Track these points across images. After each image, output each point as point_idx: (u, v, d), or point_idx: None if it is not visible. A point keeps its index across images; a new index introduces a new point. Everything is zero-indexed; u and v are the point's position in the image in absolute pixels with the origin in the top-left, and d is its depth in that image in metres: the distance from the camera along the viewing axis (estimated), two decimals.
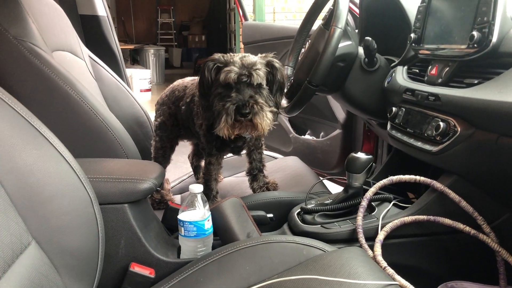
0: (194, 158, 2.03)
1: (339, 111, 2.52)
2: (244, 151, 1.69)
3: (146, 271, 1.16)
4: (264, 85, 1.42)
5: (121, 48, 2.11)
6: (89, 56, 1.85)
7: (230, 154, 1.83)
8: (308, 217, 1.36)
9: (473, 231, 1.18)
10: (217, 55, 1.44)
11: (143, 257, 1.20)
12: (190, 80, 1.72)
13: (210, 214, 1.28)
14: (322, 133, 2.70)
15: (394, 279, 1.02)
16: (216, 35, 11.50)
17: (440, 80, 1.28)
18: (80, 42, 1.81)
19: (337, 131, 2.52)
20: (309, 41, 1.76)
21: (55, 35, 1.59)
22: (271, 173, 1.83)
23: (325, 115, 2.64)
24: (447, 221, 1.21)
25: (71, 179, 1.02)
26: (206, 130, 1.53)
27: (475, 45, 1.14)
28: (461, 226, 1.19)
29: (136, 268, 1.16)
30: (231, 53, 1.45)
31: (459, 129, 1.16)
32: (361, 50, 1.64)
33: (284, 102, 1.75)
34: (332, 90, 1.70)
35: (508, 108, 1.00)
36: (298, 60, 1.87)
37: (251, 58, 1.42)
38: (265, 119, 1.38)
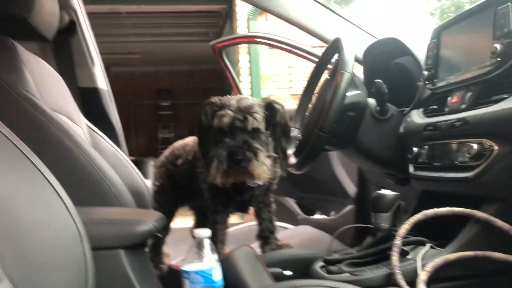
0: None
1: (349, 185, 2.40)
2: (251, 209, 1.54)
3: None
4: (263, 130, 1.33)
5: None
6: (87, 125, 1.78)
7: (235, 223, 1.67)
8: (333, 268, 1.17)
9: None
10: (215, 98, 1.36)
11: None
12: (191, 140, 1.63)
13: (219, 265, 1.10)
14: (333, 212, 2.54)
15: None
16: None
17: (464, 106, 1.19)
18: (78, 111, 1.75)
19: (349, 207, 2.36)
20: (316, 96, 1.70)
21: (52, 97, 1.53)
22: (284, 240, 1.65)
23: (334, 191, 2.51)
24: (499, 255, 1.03)
25: (58, 209, 0.87)
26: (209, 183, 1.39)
27: (499, 58, 1.07)
28: None
29: None
30: (229, 96, 1.37)
31: (495, 148, 1.04)
32: (371, 100, 1.57)
33: (292, 160, 1.64)
34: (343, 143, 1.59)
35: None
36: (304, 121, 1.80)
37: (248, 100, 1.34)
38: (261, 166, 1.27)
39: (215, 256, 1.09)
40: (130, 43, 8.70)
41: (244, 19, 6.25)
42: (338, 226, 2.37)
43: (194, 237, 1.11)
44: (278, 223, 1.90)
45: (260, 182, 1.33)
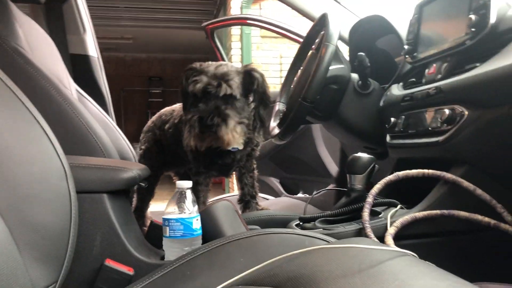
0: None
1: (332, 165, 2.45)
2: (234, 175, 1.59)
3: (124, 268, 1.00)
4: (238, 96, 1.36)
5: None
6: (76, 89, 1.81)
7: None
8: (308, 225, 1.22)
9: (493, 221, 1.06)
10: (196, 64, 1.40)
11: (121, 256, 1.04)
12: (179, 105, 1.66)
13: (199, 215, 1.14)
14: (315, 191, 2.59)
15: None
16: None
17: (439, 76, 1.25)
18: (68, 75, 1.77)
19: (331, 186, 2.42)
20: (301, 68, 1.74)
21: (44, 59, 1.55)
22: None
23: (316, 171, 2.56)
24: (463, 213, 1.08)
25: (44, 146, 0.91)
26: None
27: (473, 29, 1.13)
28: (479, 217, 1.07)
29: (112, 264, 0.99)
30: (209, 62, 1.40)
31: (466, 113, 1.10)
32: (354, 75, 1.62)
33: (276, 131, 1.68)
34: (326, 115, 1.64)
35: None
36: (289, 94, 1.84)
37: (226, 67, 1.38)
38: (231, 132, 1.31)
39: (196, 207, 1.14)
40: (123, 28, 8.65)
41: (237, 7, 6.26)
42: (319, 204, 2.44)
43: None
44: (259, 194, 1.96)
45: (233, 147, 1.36)
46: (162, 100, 11.91)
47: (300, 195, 2.66)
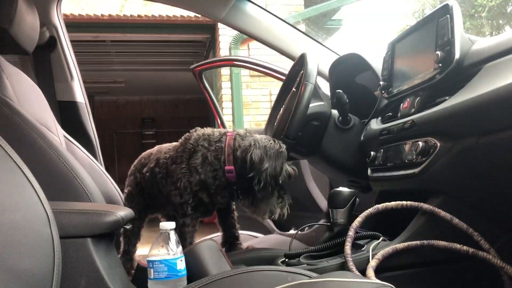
0: None
1: (322, 200, 2.46)
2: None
3: None
4: None
5: None
6: (63, 135, 1.84)
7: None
8: (293, 261, 1.23)
9: (471, 250, 1.08)
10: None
11: None
12: (157, 147, 1.70)
13: (183, 256, 1.15)
14: (306, 228, 2.59)
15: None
16: None
17: (413, 110, 1.29)
18: (55, 122, 1.81)
19: (322, 221, 2.43)
20: (283, 107, 1.79)
21: (31, 108, 1.59)
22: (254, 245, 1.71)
23: (308, 207, 2.57)
24: (442, 243, 1.10)
25: (27, 193, 0.93)
26: (183, 189, 1.45)
27: (440, 64, 1.18)
28: (457, 246, 1.09)
29: None
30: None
31: (438, 144, 1.13)
32: (334, 111, 1.67)
33: None
34: (309, 151, 1.68)
35: (479, 101, 0.99)
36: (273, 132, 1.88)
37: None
38: None
39: (180, 248, 1.15)
40: (115, 72, 8.80)
41: (226, 48, 6.41)
42: (310, 240, 2.44)
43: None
44: (247, 232, 1.97)
45: None
46: (155, 141, 11.93)
47: (292, 231, 2.66)
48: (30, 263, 0.88)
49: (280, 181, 1.44)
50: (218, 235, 1.75)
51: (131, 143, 12.07)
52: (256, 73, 6.32)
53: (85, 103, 2.05)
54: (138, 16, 6.41)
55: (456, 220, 1.10)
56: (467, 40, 1.17)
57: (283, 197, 1.51)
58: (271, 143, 1.43)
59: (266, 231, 2.72)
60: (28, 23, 1.51)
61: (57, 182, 1.28)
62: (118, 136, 11.79)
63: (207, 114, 7.48)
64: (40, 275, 0.90)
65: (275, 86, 6.31)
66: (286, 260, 1.26)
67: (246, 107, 6.40)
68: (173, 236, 1.14)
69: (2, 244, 0.85)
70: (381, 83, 1.48)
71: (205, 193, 1.46)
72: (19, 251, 0.87)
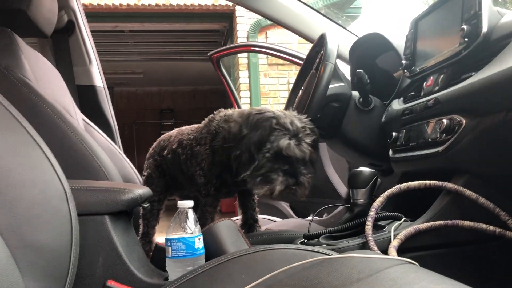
0: None
1: (341, 186, 2.43)
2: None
3: None
4: None
5: None
6: (82, 119, 1.84)
7: None
8: (312, 242, 1.21)
9: (498, 230, 1.04)
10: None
11: (123, 276, 1.04)
12: (176, 130, 1.69)
13: (202, 235, 1.14)
14: (325, 214, 2.57)
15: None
16: None
17: (437, 88, 1.25)
18: (74, 105, 1.81)
19: (341, 208, 2.40)
20: (301, 89, 1.76)
21: (50, 89, 1.59)
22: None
23: (326, 193, 2.54)
24: (467, 223, 1.07)
25: (45, 169, 0.93)
26: (208, 170, 1.44)
27: (466, 39, 1.14)
28: (483, 226, 1.05)
29: (115, 285, 0.99)
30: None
31: (464, 122, 1.09)
32: (354, 93, 1.63)
33: None
34: (329, 133, 1.65)
35: (508, 74, 0.95)
36: None
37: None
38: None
39: (198, 227, 1.14)
40: (133, 62, 8.84)
41: (244, 37, 6.38)
42: (329, 225, 2.41)
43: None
44: (267, 216, 1.95)
45: None
46: None
47: (310, 218, 2.64)
48: (48, 238, 0.88)
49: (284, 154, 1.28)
50: (237, 218, 1.74)
51: (150, 134, 12.16)
52: (274, 61, 6.29)
53: (104, 87, 2.05)
54: (156, 5, 6.41)
55: (482, 199, 1.07)
56: (495, 12, 1.13)
57: (295, 175, 1.34)
58: (262, 114, 1.31)
59: (283, 217, 2.71)
60: (46, 6, 1.51)
61: (75, 161, 1.28)
62: (137, 126, 11.88)
63: (225, 105, 7.48)
64: (58, 250, 0.90)
65: (293, 75, 6.27)
66: (305, 241, 1.24)
67: (264, 96, 6.37)
68: (191, 214, 1.13)
69: (20, 218, 0.85)
70: (403, 62, 1.44)
71: (228, 174, 1.44)
72: (36, 226, 0.87)
